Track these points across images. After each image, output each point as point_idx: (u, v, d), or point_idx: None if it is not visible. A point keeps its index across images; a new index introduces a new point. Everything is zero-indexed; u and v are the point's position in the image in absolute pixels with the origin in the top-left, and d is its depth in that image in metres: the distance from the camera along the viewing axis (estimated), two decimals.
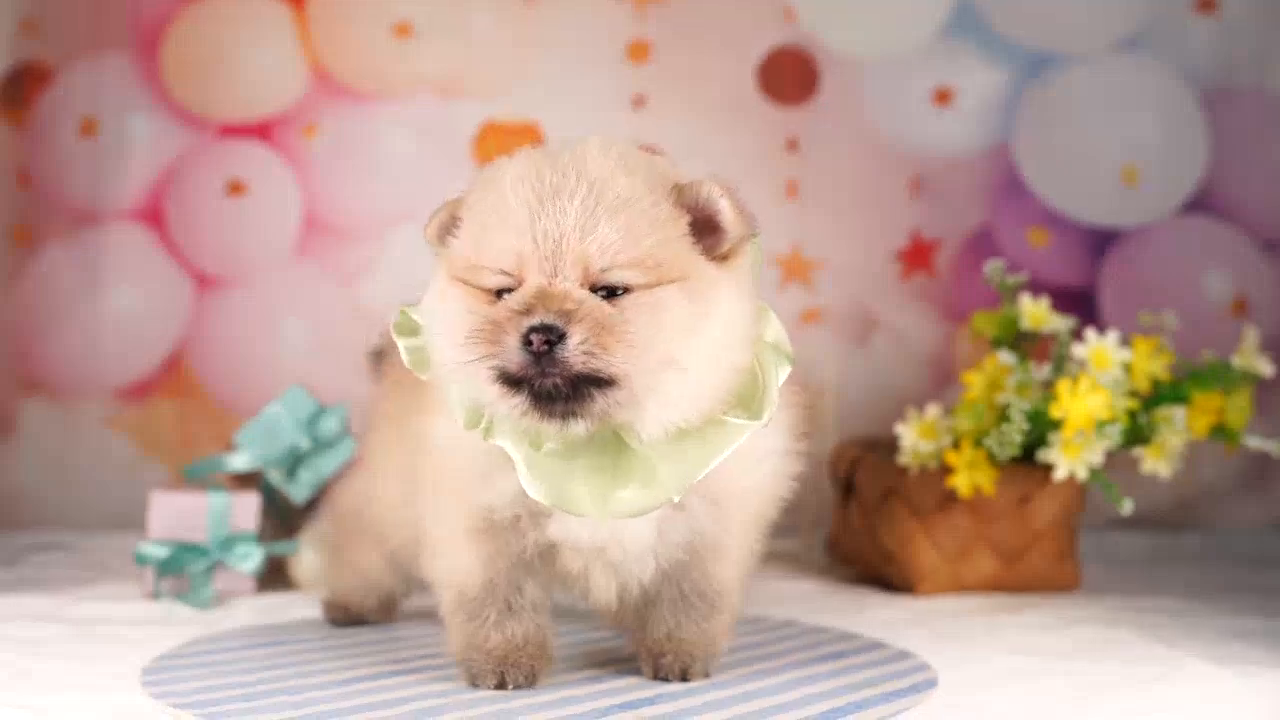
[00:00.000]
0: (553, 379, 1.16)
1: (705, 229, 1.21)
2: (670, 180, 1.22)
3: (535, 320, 1.15)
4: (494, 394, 1.18)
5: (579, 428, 1.18)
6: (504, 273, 1.19)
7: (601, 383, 1.16)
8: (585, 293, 1.16)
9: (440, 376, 1.24)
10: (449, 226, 1.25)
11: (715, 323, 1.19)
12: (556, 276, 1.17)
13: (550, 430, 1.19)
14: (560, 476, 1.21)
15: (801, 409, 1.39)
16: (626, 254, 1.16)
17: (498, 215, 1.19)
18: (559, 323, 1.15)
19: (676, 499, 1.21)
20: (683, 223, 1.20)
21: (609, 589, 1.33)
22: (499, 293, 1.19)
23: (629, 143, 1.26)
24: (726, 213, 1.20)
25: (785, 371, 1.24)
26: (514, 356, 1.16)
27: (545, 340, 1.14)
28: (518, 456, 1.21)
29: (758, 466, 1.31)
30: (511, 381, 1.17)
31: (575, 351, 1.15)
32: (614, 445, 1.21)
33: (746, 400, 1.22)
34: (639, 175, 1.20)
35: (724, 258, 1.21)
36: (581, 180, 1.18)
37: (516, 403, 1.17)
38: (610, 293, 1.17)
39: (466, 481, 1.28)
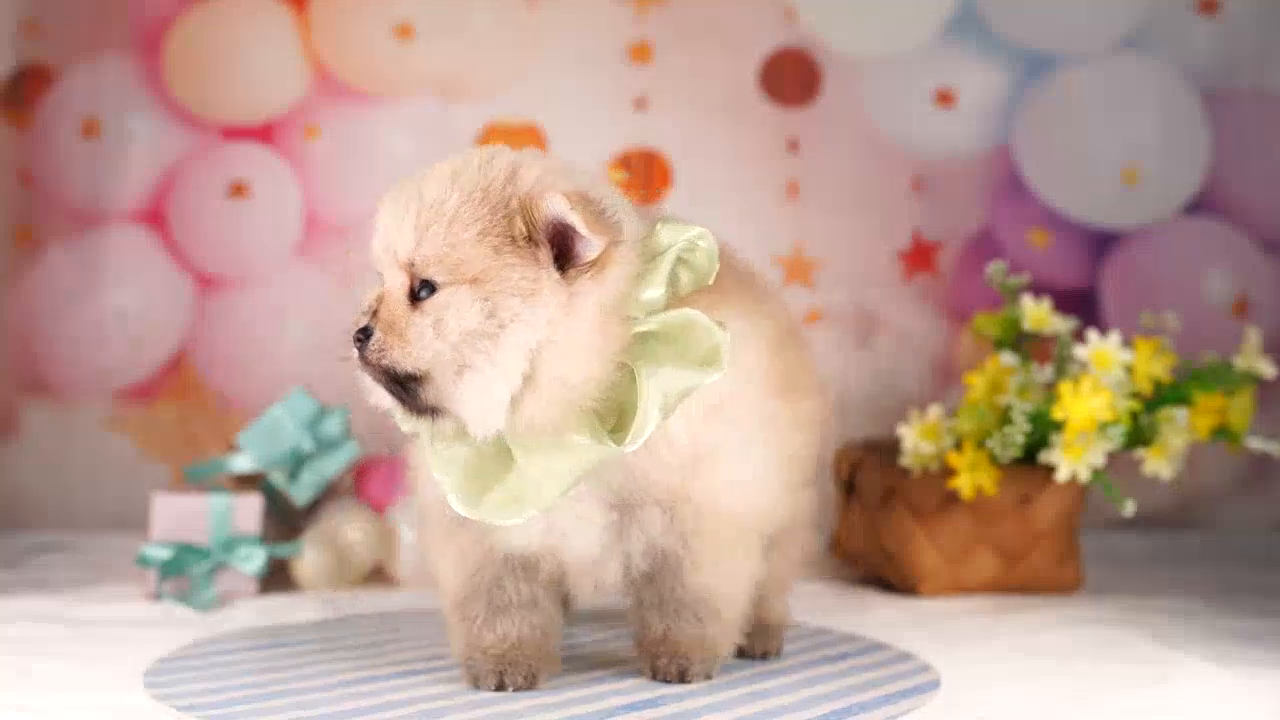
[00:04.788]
0: (370, 373, 1.23)
1: (567, 239, 1.21)
2: (512, 194, 1.22)
3: (360, 323, 1.24)
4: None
5: (443, 424, 1.23)
6: (379, 274, 1.27)
7: (412, 378, 1.22)
8: (396, 294, 1.23)
9: None
10: None
11: (521, 328, 1.19)
12: (394, 278, 1.24)
13: (423, 427, 1.25)
14: (448, 472, 1.25)
15: (804, 432, 1.38)
16: (422, 251, 1.21)
17: (376, 221, 1.28)
18: (370, 323, 1.23)
19: (540, 510, 1.23)
20: (499, 230, 1.21)
21: (586, 589, 1.35)
22: None
23: (516, 151, 1.27)
24: (579, 223, 1.19)
25: (691, 381, 1.22)
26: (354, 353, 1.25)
27: (358, 340, 1.24)
28: (425, 445, 1.27)
29: (712, 472, 1.29)
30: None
31: (372, 349, 1.23)
32: (495, 451, 1.24)
33: (606, 414, 1.22)
34: (464, 185, 1.23)
35: (598, 266, 1.20)
36: (417, 189, 1.24)
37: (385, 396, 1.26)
38: (431, 290, 1.22)
39: (428, 479, 1.31)
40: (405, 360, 1.21)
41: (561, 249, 1.21)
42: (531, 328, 1.19)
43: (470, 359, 1.20)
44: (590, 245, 1.20)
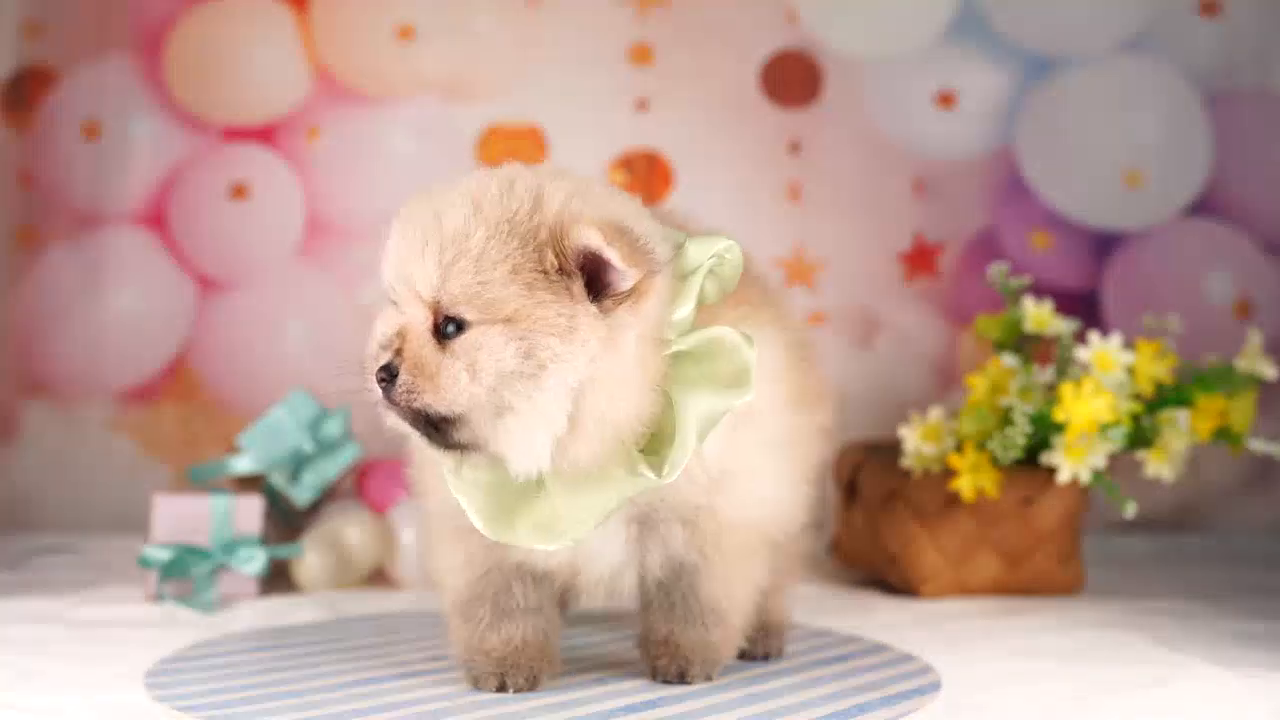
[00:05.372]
0: (398, 413, 1.19)
1: (597, 267, 1.17)
2: (540, 223, 1.17)
3: (381, 359, 1.19)
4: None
5: (475, 459, 1.20)
6: (394, 303, 1.22)
7: (446, 420, 1.18)
8: (419, 331, 1.18)
9: None
10: None
11: (562, 368, 1.16)
12: (413, 311, 1.19)
13: (450, 460, 1.22)
14: (470, 495, 1.23)
15: (821, 439, 1.38)
16: (449, 289, 1.16)
17: (388, 248, 1.22)
18: (395, 361, 1.18)
19: (570, 543, 1.21)
20: (531, 265, 1.16)
21: (599, 597, 1.35)
22: None
23: (534, 173, 1.22)
24: (615, 258, 1.15)
25: (724, 404, 1.20)
26: (378, 391, 1.20)
27: (381, 379, 1.19)
28: (447, 470, 1.24)
29: (735, 485, 1.28)
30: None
31: (400, 391, 1.18)
32: (524, 482, 1.21)
33: (653, 447, 1.20)
34: (488, 217, 1.17)
35: (633, 298, 1.17)
36: (436, 219, 1.18)
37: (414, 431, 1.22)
38: (459, 328, 1.17)
39: (439, 484, 1.29)
40: (439, 404, 1.17)
41: (591, 276, 1.17)
42: (573, 367, 1.16)
43: (510, 401, 1.16)
44: (626, 277, 1.16)
